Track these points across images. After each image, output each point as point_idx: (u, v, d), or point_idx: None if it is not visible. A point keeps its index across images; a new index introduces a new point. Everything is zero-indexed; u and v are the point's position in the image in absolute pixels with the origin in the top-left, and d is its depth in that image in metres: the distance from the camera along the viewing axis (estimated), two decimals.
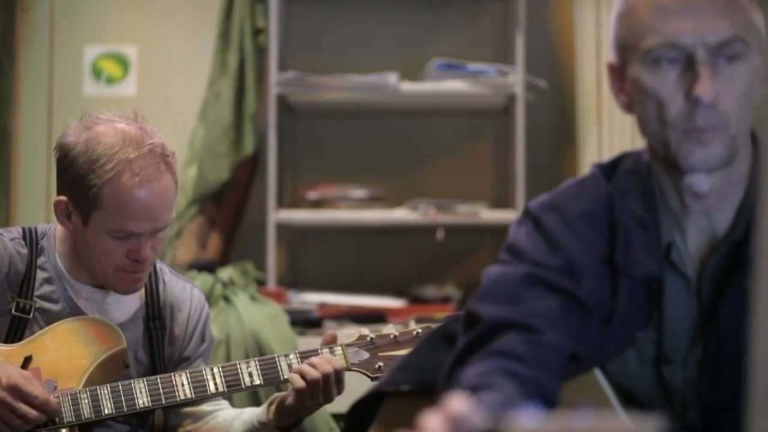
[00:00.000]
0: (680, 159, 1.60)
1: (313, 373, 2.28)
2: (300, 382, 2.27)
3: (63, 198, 2.31)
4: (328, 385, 2.29)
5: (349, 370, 2.36)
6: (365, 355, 2.37)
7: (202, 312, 2.48)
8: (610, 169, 1.75)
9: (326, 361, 2.30)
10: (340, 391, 2.31)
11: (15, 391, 2.19)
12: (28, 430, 2.23)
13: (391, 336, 2.39)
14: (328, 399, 2.31)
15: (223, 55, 4.45)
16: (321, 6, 4.67)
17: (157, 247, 2.32)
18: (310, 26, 4.67)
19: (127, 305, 2.41)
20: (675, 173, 1.65)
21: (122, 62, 4.64)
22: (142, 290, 2.42)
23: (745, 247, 1.63)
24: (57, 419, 2.25)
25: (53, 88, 4.62)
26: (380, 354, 2.37)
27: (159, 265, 2.47)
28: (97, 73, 4.63)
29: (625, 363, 1.68)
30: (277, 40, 4.38)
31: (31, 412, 2.20)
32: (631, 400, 1.70)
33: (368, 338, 2.38)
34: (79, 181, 2.27)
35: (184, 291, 2.47)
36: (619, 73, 1.68)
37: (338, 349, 2.36)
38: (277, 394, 2.37)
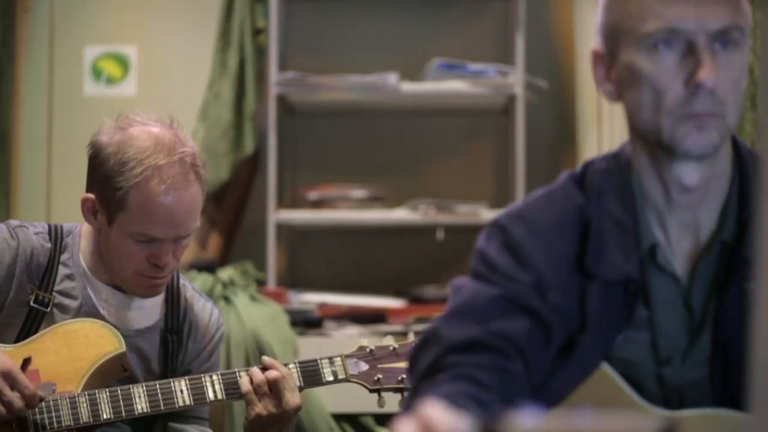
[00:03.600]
0: (675, 143, 1.59)
1: (259, 377, 2.30)
2: (247, 385, 2.30)
3: (90, 196, 2.31)
4: (277, 392, 2.29)
5: (348, 381, 2.36)
6: (364, 366, 2.36)
7: (217, 332, 2.47)
8: (580, 175, 1.73)
9: (273, 366, 2.31)
10: (294, 407, 2.30)
11: (8, 377, 2.19)
12: (5, 420, 2.21)
13: (391, 348, 2.38)
14: (279, 407, 2.29)
15: (223, 55, 4.45)
16: (321, 6, 4.67)
17: (179, 255, 2.32)
18: (310, 26, 4.67)
19: (148, 314, 2.41)
20: (662, 164, 1.63)
21: (122, 62, 4.64)
22: (164, 303, 2.42)
23: (738, 250, 1.63)
24: (56, 422, 2.25)
25: (53, 88, 4.61)
26: (379, 366, 2.36)
27: (182, 281, 2.46)
28: (97, 73, 4.63)
29: (625, 366, 1.65)
30: (277, 40, 4.38)
31: (18, 402, 2.19)
32: None
33: (368, 350, 2.38)
34: (107, 181, 2.27)
35: (204, 310, 2.47)
36: (605, 61, 1.67)
37: (337, 360, 2.36)
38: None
